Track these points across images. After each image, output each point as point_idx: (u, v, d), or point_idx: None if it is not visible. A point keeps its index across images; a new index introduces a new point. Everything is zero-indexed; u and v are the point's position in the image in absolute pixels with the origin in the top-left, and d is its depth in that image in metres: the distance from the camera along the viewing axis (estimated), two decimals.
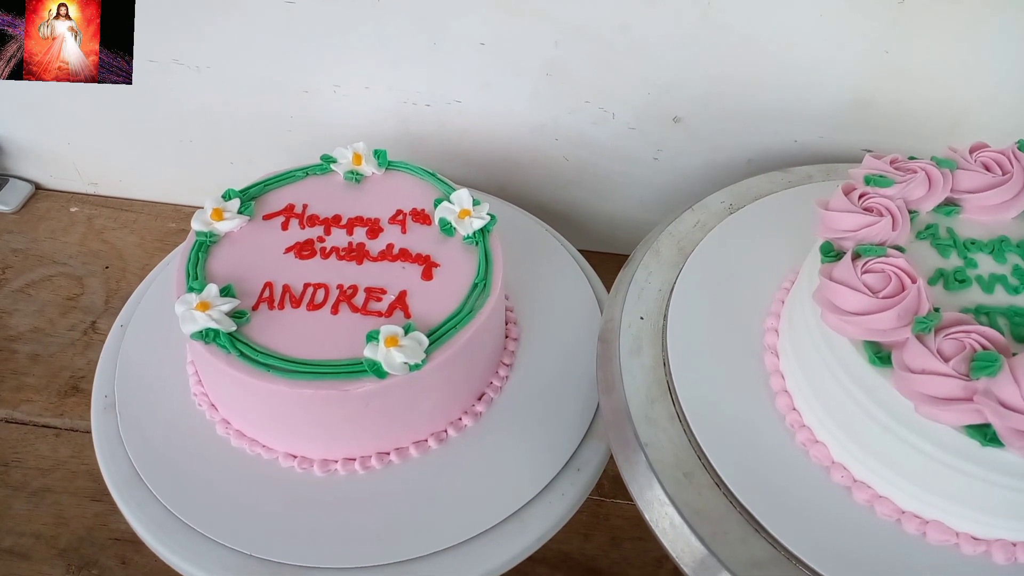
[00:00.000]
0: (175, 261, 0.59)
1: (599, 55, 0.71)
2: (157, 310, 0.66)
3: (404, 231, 0.60)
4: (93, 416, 0.59)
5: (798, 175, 0.69)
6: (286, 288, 0.56)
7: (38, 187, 0.91)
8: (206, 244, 0.58)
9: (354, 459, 0.56)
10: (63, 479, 0.66)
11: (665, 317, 0.58)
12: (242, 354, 0.51)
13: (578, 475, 0.57)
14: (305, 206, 0.62)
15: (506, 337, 0.64)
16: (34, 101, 0.83)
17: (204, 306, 0.52)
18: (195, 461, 0.56)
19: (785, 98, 0.72)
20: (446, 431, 0.58)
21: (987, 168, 0.54)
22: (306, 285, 0.56)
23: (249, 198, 0.61)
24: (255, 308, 0.54)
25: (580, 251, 0.75)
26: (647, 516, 0.50)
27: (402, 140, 0.80)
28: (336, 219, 0.61)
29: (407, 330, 0.52)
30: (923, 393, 0.43)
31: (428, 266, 0.57)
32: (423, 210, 0.62)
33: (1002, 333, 0.46)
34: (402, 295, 0.55)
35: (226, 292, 0.54)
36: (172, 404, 0.60)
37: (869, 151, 0.75)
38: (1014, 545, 0.47)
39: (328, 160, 0.65)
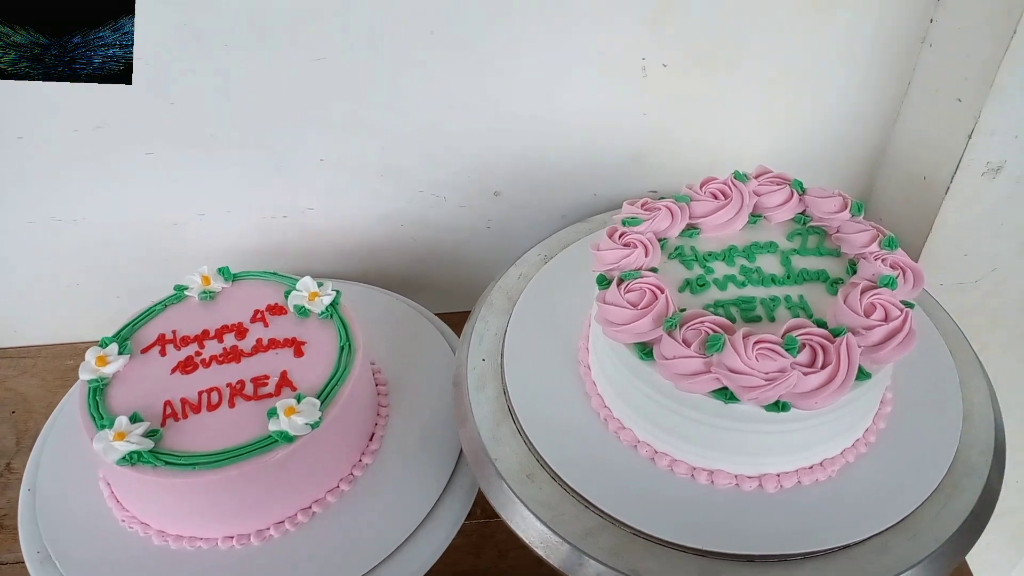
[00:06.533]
0: (74, 410, 0.65)
1: (422, 152, 0.83)
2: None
3: (266, 325, 0.70)
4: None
5: (596, 223, 0.83)
6: (184, 400, 0.64)
7: None
8: (100, 388, 0.65)
9: (283, 521, 0.65)
10: None
11: (502, 355, 0.70)
12: (167, 463, 0.59)
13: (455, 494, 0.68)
14: (174, 331, 0.70)
15: (378, 394, 0.75)
16: None
17: (120, 436, 0.59)
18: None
19: (578, 161, 0.86)
20: (351, 473, 0.69)
21: (714, 196, 0.69)
22: (199, 393, 0.64)
23: (124, 339, 0.69)
24: (163, 424, 0.62)
25: (440, 313, 0.86)
26: (503, 515, 0.60)
27: (267, 249, 0.89)
28: (205, 333, 0.70)
29: (299, 399, 0.63)
30: (678, 373, 0.55)
31: (296, 346, 0.68)
32: (276, 304, 0.72)
33: (734, 319, 0.60)
34: (283, 375, 0.66)
35: (134, 419, 0.62)
36: (102, 539, 0.66)
37: (654, 191, 0.92)
38: (778, 476, 0.60)
39: (181, 288, 0.73)
